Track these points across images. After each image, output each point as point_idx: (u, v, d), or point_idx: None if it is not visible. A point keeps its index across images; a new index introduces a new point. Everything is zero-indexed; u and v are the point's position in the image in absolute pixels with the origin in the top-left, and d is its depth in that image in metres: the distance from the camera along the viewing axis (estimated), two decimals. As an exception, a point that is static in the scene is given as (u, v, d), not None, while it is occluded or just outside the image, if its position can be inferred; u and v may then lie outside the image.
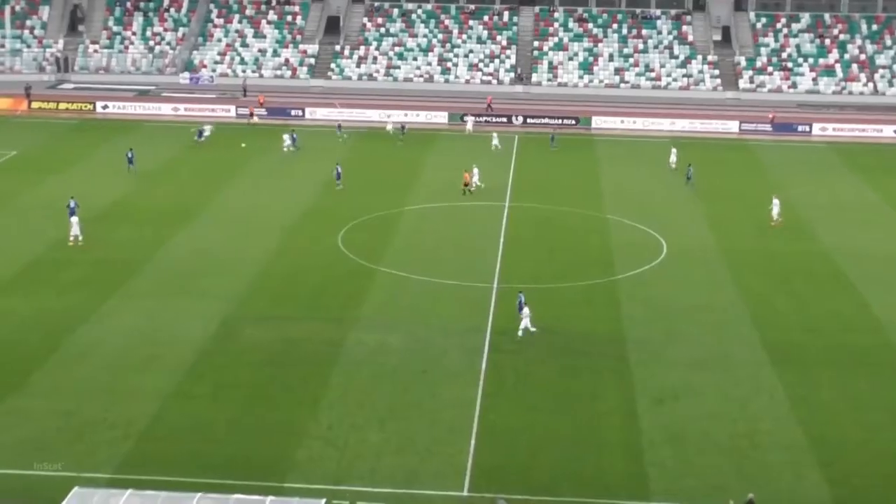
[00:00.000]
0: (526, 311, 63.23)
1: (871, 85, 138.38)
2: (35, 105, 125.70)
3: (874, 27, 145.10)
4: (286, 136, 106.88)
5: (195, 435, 50.98)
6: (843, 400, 56.15)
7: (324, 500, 43.49)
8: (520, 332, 62.64)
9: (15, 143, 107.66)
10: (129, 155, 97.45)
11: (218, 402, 54.28)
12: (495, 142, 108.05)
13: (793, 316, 67.54)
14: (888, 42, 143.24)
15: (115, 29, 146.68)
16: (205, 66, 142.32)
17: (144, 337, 61.59)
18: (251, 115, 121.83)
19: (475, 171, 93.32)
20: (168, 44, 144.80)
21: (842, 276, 74.64)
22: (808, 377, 58.58)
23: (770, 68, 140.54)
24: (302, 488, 46.11)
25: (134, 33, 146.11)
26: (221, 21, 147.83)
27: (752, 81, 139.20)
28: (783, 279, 74.00)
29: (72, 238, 76.86)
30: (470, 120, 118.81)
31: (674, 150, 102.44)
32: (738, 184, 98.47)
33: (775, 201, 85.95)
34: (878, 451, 51.20)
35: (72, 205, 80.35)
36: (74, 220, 77.46)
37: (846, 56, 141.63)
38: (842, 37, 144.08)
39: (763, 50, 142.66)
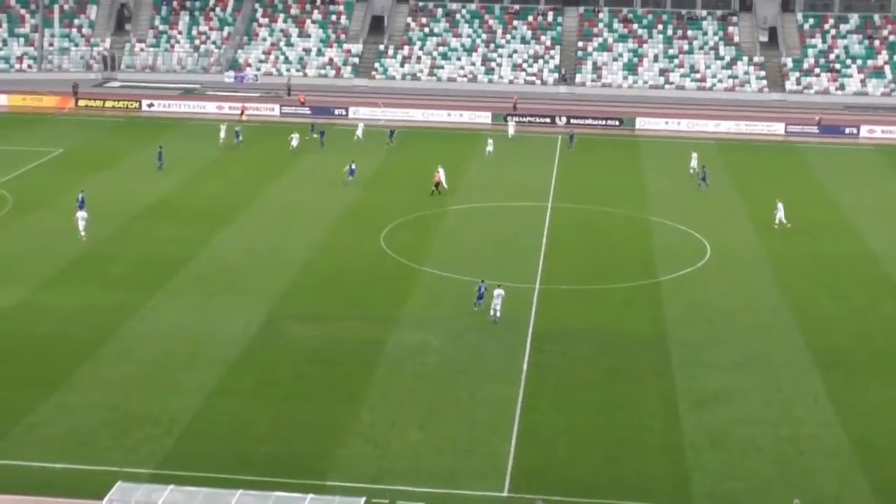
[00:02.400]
0: (499, 291, 64.08)
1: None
2: (82, 103, 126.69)
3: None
4: (294, 136, 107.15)
5: (237, 432, 51.11)
6: (890, 405, 55.58)
7: (363, 499, 43.46)
8: (497, 315, 63.84)
9: (62, 141, 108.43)
10: (159, 151, 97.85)
11: (260, 399, 54.43)
12: (489, 148, 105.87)
13: (839, 320, 67.01)
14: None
15: (161, 28, 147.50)
16: (249, 65, 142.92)
17: (188, 334, 61.84)
18: (242, 113, 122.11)
19: (441, 171, 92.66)
20: (213, 43, 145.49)
21: (890, 281, 74.02)
22: (854, 382, 58.09)
23: (817, 70, 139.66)
24: (342, 486, 46.13)
25: (180, 32, 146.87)
26: (266, 20, 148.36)
27: (798, 83, 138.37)
28: (829, 282, 73.50)
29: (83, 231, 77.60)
30: (511, 124, 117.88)
31: (694, 155, 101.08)
32: (783, 186, 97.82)
33: (779, 205, 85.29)
34: (922, 456, 50.82)
35: (80, 197, 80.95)
36: (81, 214, 77.87)
37: None
38: (892, 38, 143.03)
39: (810, 51, 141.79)
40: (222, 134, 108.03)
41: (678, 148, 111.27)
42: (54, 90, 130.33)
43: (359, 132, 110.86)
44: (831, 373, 58.81)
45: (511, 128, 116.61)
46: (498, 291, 64.43)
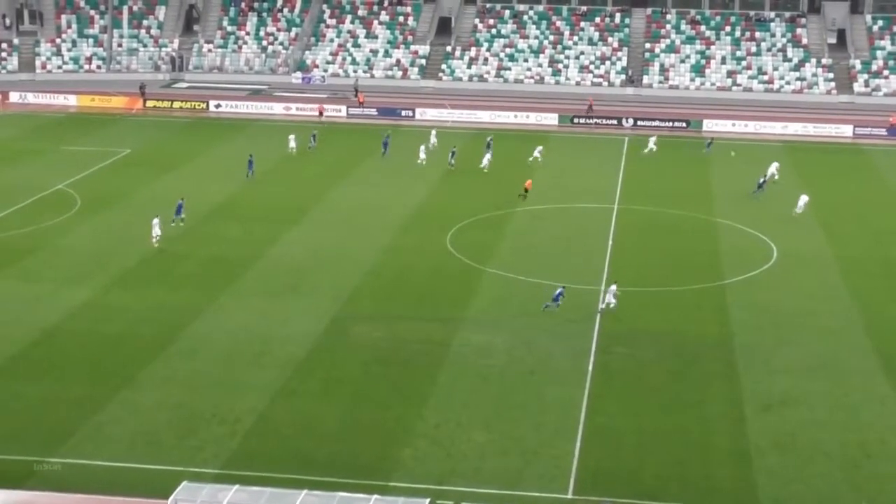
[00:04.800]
0: (613, 288, 66.57)
1: None
2: (150, 104, 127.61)
3: None
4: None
5: (302, 432, 51.37)
6: (958, 410, 55.12)
7: (428, 500, 43.57)
8: (609, 306, 66.07)
9: (129, 141, 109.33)
10: (250, 159, 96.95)
11: (325, 399, 54.68)
12: (536, 154, 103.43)
13: (907, 324, 66.46)
14: None
15: (229, 29, 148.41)
16: (317, 66, 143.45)
17: (254, 333, 62.20)
18: (321, 114, 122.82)
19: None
20: (281, 44, 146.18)
21: (959, 285, 73.25)
22: (922, 386, 57.62)
23: (886, 72, 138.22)
24: (407, 487, 46.27)
25: (248, 33, 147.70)
26: (334, 21, 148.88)
27: (867, 85, 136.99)
28: (898, 286, 72.88)
29: (155, 238, 76.98)
30: (653, 139, 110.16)
31: (776, 165, 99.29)
32: (851, 188, 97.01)
33: (803, 197, 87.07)
34: None
35: (178, 204, 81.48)
36: (155, 221, 77.16)
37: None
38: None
39: (879, 53, 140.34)
40: (292, 143, 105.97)
41: (746, 150, 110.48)
42: (123, 91, 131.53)
43: (432, 139, 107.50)
44: (900, 377, 58.34)
45: (652, 142, 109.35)
46: (612, 288, 66.39)
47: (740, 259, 76.72)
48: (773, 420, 53.45)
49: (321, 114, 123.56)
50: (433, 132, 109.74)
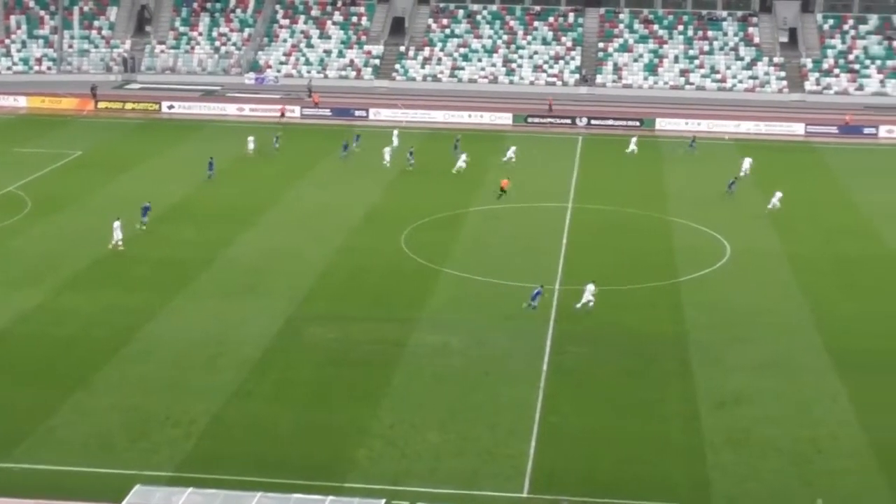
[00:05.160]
0: (591, 286, 66.22)
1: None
2: (101, 105, 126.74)
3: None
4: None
5: (256, 434, 51.21)
6: (909, 406, 55.58)
7: (383, 501, 43.57)
8: (589, 306, 66.07)
9: (81, 143, 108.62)
10: (210, 161, 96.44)
11: (280, 401, 54.54)
12: (510, 154, 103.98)
13: (858, 321, 66.81)
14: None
15: (181, 29, 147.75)
16: (270, 67, 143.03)
17: (208, 335, 61.96)
18: (282, 115, 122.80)
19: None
20: (234, 44, 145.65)
21: (909, 281, 73.89)
22: (873, 383, 57.89)
23: (837, 70, 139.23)
24: (362, 488, 46.20)
25: (200, 34, 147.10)
26: (287, 22, 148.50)
27: (818, 83, 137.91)
28: (849, 283, 73.30)
29: (115, 241, 76.14)
30: (633, 140, 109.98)
31: (748, 160, 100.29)
32: (803, 187, 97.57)
33: (778, 194, 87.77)
34: (943, 457, 50.67)
35: (144, 206, 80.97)
36: (116, 224, 76.51)
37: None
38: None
39: (830, 52, 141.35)
40: (251, 146, 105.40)
41: (699, 148, 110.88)
42: (74, 92, 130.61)
43: (395, 140, 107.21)
44: (850, 373, 58.68)
45: (633, 143, 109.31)
46: (590, 287, 66.20)
47: (694, 257, 77.08)
48: (726, 417, 53.74)
49: (283, 115, 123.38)
50: (395, 132, 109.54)
